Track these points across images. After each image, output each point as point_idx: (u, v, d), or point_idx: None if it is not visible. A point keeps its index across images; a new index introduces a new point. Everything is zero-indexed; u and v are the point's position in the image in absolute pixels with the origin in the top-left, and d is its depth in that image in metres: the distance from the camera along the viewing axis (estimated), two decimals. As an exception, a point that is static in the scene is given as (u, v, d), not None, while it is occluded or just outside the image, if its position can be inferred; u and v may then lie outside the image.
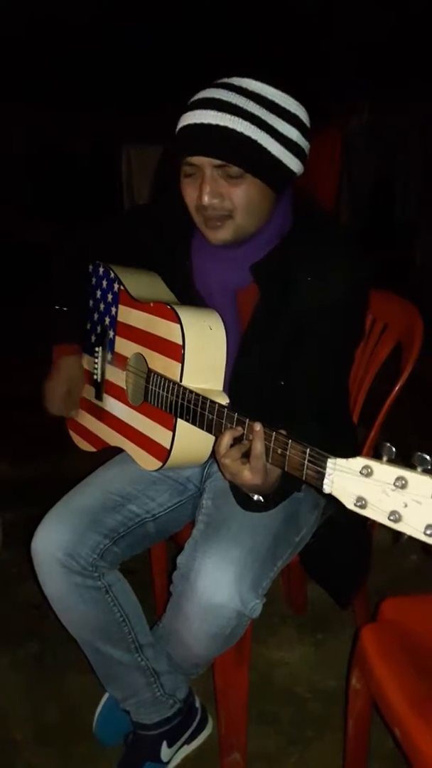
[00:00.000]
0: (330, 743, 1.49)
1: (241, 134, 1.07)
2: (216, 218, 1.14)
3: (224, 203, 1.12)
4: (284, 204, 1.20)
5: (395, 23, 5.24)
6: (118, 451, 1.43)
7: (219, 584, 1.12)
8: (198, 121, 1.09)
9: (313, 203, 1.29)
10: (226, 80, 1.12)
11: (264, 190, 1.13)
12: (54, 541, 1.26)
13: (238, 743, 1.43)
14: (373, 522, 0.84)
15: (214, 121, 1.07)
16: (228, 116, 1.07)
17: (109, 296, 1.45)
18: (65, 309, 1.47)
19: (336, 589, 1.41)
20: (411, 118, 7.09)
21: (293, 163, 1.13)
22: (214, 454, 1.25)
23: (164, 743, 1.42)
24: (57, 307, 1.46)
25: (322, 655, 1.79)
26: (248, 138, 1.08)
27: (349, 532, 1.38)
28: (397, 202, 7.73)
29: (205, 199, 1.11)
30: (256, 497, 1.13)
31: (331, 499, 1.32)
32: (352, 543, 1.39)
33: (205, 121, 1.08)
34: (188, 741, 1.48)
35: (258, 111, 1.08)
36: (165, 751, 1.42)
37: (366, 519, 1.38)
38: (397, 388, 1.46)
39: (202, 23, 5.41)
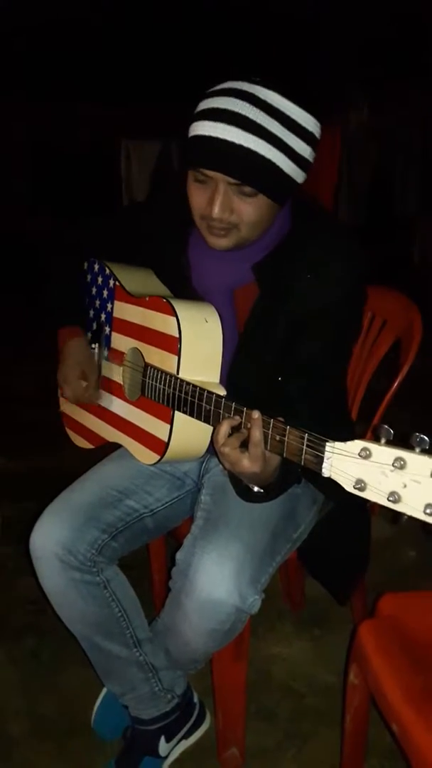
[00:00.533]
0: (327, 738, 1.49)
1: (262, 157, 1.07)
2: (221, 228, 1.15)
3: (232, 217, 1.13)
4: (284, 208, 1.21)
5: (394, 19, 5.22)
6: (116, 447, 1.42)
7: (218, 580, 1.12)
8: (220, 136, 1.07)
9: (312, 202, 1.29)
10: (248, 89, 1.09)
11: (272, 206, 1.15)
12: (52, 537, 1.26)
13: (236, 738, 1.43)
14: (373, 505, 0.84)
15: (237, 141, 1.06)
16: (252, 137, 1.06)
17: (105, 292, 1.44)
18: (65, 291, 1.45)
19: (334, 585, 1.41)
20: (410, 114, 7.08)
21: (300, 177, 1.15)
22: (212, 446, 1.25)
23: (162, 738, 1.42)
24: (57, 291, 1.45)
25: (320, 650, 1.80)
26: (268, 161, 1.08)
27: (348, 529, 1.39)
28: (396, 198, 7.73)
29: (216, 211, 1.11)
30: (256, 489, 1.12)
31: (330, 495, 1.34)
32: (351, 539, 1.40)
33: (228, 138, 1.07)
34: (186, 736, 1.48)
35: (279, 131, 1.08)
36: (163, 746, 1.43)
37: (366, 514, 1.40)
38: (395, 384, 1.46)
39: (201, 19, 5.39)
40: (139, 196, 7.53)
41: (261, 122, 1.07)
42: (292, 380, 1.20)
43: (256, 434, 1.01)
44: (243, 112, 1.07)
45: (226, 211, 1.12)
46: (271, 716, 1.58)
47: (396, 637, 1.12)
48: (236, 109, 1.07)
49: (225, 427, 1.05)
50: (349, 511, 1.38)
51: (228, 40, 5.52)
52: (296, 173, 1.13)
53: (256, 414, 1.01)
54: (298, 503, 1.30)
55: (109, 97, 6.90)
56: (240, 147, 1.07)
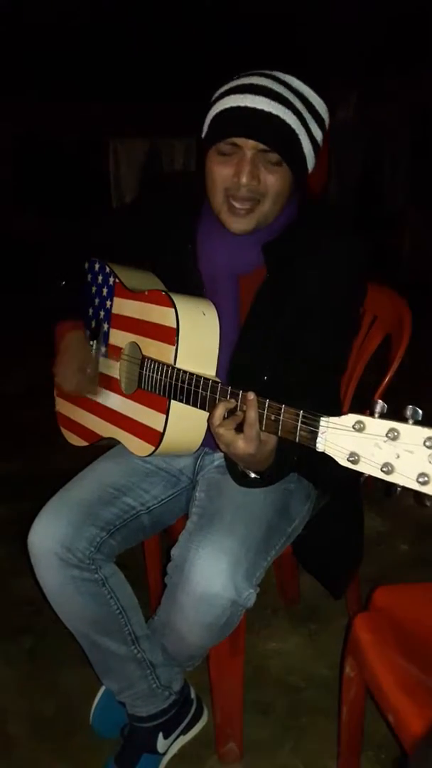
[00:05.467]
0: (324, 731, 1.50)
1: (288, 125, 1.13)
2: (245, 200, 1.17)
3: (259, 187, 1.17)
4: (292, 199, 1.25)
5: (382, 15, 5.23)
6: (111, 446, 1.43)
7: (213, 574, 1.13)
8: (249, 105, 1.13)
9: (313, 195, 1.35)
10: (269, 72, 1.17)
11: (291, 182, 1.19)
12: (51, 535, 1.26)
13: (234, 733, 1.44)
14: (367, 479, 0.85)
15: (266, 108, 1.12)
16: (280, 106, 1.12)
17: (104, 290, 1.45)
18: (64, 284, 1.45)
19: (329, 579, 1.43)
20: (398, 107, 7.09)
21: (312, 162, 1.20)
22: (206, 441, 1.26)
23: (160, 735, 1.43)
24: (55, 287, 1.45)
25: (315, 644, 1.81)
26: (293, 130, 1.14)
27: (342, 523, 1.40)
28: (385, 191, 7.74)
29: (244, 178, 1.15)
30: (252, 474, 1.13)
31: (325, 490, 1.35)
32: (345, 534, 1.41)
33: (258, 106, 1.12)
34: (184, 732, 1.49)
35: (301, 108, 1.15)
36: (161, 743, 1.43)
37: (359, 509, 1.41)
38: (386, 379, 1.47)
39: (190, 18, 5.37)
40: (127, 195, 7.50)
41: (286, 95, 1.14)
42: (292, 371, 1.21)
43: (251, 414, 1.01)
44: (269, 85, 1.14)
45: (254, 178, 1.16)
46: (268, 710, 1.60)
47: (390, 630, 1.13)
48: (262, 83, 1.14)
49: (220, 409, 1.06)
50: (343, 506, 1.39)
51: (216, 38, 5.51)
52: (310, 155, 1.19)
53: (251, 395, 1.02)
54: (292, 498, 1.31)
55: (97, 96, 6.87)
56: (269, 114, 1.12)
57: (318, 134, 1.18)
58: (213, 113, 1.18)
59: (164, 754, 1.45)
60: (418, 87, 6.64)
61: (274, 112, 1.12)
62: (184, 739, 1.50)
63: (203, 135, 1.22)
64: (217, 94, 1.19)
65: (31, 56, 6.11)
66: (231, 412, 1.06)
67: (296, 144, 1.15)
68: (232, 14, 5.34)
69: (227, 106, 1.15)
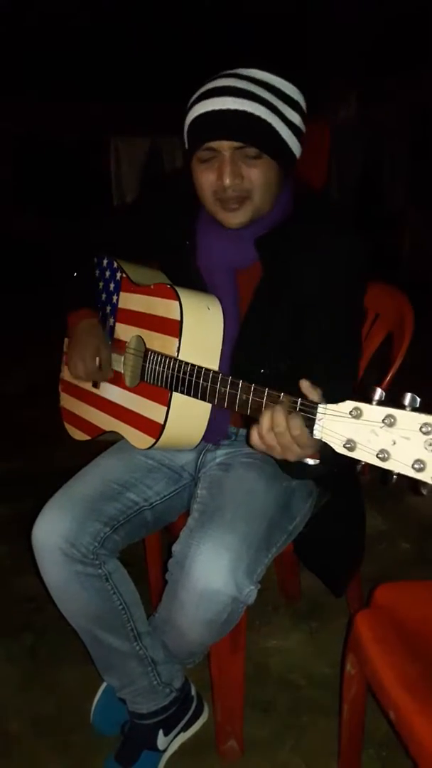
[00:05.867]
0: (325, 728, 1.50)
1: (258, 117, 1.14)
2: (234, 199, 1.19)
3: (244, 183, 1.18)
4: (286, 189, 1.26)
5: (382, 15, 5.23)
6: (113, 442, 1.43)
7: (214, 570, 1.13)
8: (217, 107, 1.14)
9: (310, 188, 1.34)
10: (230, 71, 1.17)
11: (276, 171, 1.20)
12: (55, 530, 1.26)
13: (235, 730, 1.44)
14: (364, 467, 0.84)
15: (233, 107, 1.13)
16: (246, 102, 1.13)
17: (111, 285, 1.47)
18: (78, 279, 1.48)
19: (330, 577, 1.43)
20: (398, 106, 7.09)
21: (296, 147, 1.20)
22: (207, 436, 1.27)
23: (161, 732, 1.43)
24: (70, 279, 1.48)
25: (316, 642, 1.81)
26: (264, 121, 1.14)
27: (343, 521, 1.40)
28: (385, 191, 7.75)
29: (227, 180, 1.16)
30: (311, 462, 1.06)
31: (326, 487, 1.35)
32: (346, 532, 1.41)
33: (224, 107, 1.14)
34: (185, 729, 1.49)
35: (269, 97, 1.15)
36: (162, 740, 1.43)
37: (361, 507, 1.41)
38: (389, 377, 1.47)
39: (190, 16, 5.37)
40: (128, 194, 7.51)
41: (250, 89, 1.14)
42: (305, 355, 1.20)
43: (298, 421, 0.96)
44: (232, 84, 1.15)
45: (237, 177, 1.17)
46: (269, 708, 1.60)
47: (392, 627, 1.13)
48: (225, 84, 1.15)
49: (267, 419, 0.99)
50: (345, 504, 1.39)
51: (216, 36, 5.51)
52: (292, 141, 1.19)
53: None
54: (294, 495, 1.31)
55: (98, 95, 6.87)
56: (236, 111, 1.13)
57: (294, 117, 1.18)
58: (187, 123, 1.20)
59: (164, 751, 1.45)
60: (418, 87, 6.65)
61: (241, 108, 1.13)
62: (184, 736, 1.50)
63: (186, 146, 1.24)
64: (189, 104, 1.21)
65: (31, 56, 6.11)
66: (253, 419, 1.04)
67: (271, 133, 1.16)
68: (232, 14, 5.34)
69: (197, 113, 1.17)
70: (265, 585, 1.23)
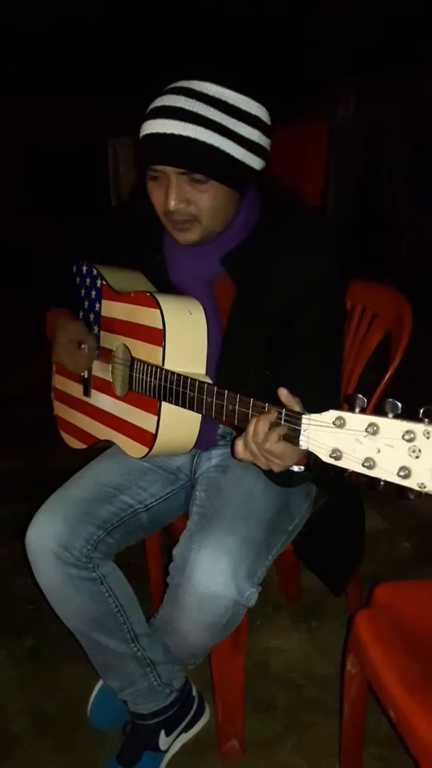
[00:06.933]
0: (326, 728, 1.50)
1: (203, 143, 1.09)
2: (182, 221, 1.17)
3: (189, 208, 1.15)
4: (249, 199, 1.22)
5: (381, 14, 5.23)
6: (110, 446, 1.43)
7: (215, 574, 1.13)
8: (161, 130, 1.10)
9: (282, 193, 1.29)
10: (185, 85, 1.12)
11: (228, 193, 1.16)
12: (48, 534, 1.26)
13: (236, 730, 1.45)
14: (351, 475, 0.84)
15: (177, 131, 1.09)
16: (190, 126, 1.09)
17: (93, 293, 1.46)
18: (54, 280, 1.49)
19: (330, 576, 1.43)
20: (397, 106, 7.10)
21: (255, 162, 1.16)
22: (200, 441, 1.26)
23: (162, 732, 1.43)
24: (46, 280, 1.50)
25: (317, 642, 1.81)
26: (210, 146, 1.10)
27: (343, 520, 1.40)
28: (384, 192, 7.75)
29: (171, 204, 1.14)
30: (296, 468, 1.06)
31: (324, 487, 1.35)
32: (346, 531, 1.41)
33: (168, 131, 1.09)
34: (186, 729, 1.50)
35: (219, 117, 1.10)
36: (163, 740, 1.44)
37: (360, 506, 1.41)
38: (387, 377, 1.47)
39: (188, 17, 5.37)
40: (127, 194, 7.51)
41: (198, 110, 1.09)
42: (286, 366, 1.19)
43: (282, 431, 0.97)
44: (179, 105, 1.10)
45: (182, 202, 1.14)
46: (269, 708, 1.60)
47: (392, 626, 1.14)
48: (172, 103, 1.11)
49: (262, 426, 0.98)
50: (344, 503, 1.39)
51: (215, 37, 5.51)
52: (249, 158, 1.14)
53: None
54: (292, 496, 1.31)
55: (96, 96, 6.87)
56: (180, 137, 1.09)
57: (251, 132, 1.13)
58: (139, 138, 1.16)
59: (166, 751, 1.45)
60: (417, 86, 6.65)
61: (185, 133, 1.08)
62: (185, 737, 1.50)
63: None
64: (143, 118, 1.17)
65: (31, 56, 6.11)
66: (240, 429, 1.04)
67: (217, 156, 1.10)
68: (232, 14, 5.34)
69: (145, 132, 1.14)
70: (265, 584, 1.23)
